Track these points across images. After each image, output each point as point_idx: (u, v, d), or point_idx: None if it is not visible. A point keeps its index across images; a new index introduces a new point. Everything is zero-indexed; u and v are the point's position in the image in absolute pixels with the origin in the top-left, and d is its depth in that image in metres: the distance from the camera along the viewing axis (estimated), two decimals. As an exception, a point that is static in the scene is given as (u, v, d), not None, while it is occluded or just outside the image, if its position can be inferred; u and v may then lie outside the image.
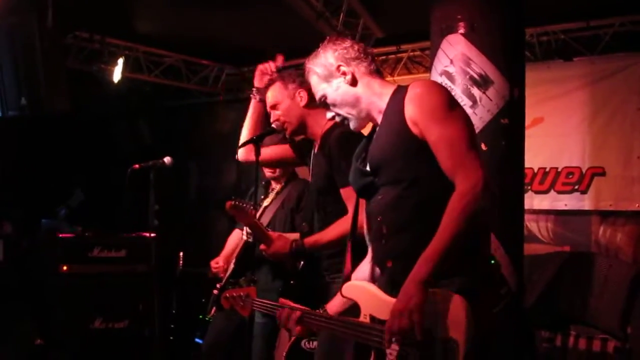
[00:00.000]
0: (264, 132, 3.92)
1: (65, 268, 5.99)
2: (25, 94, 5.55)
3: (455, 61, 4.83)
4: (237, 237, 5.28)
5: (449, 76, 4.82)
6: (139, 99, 8.93)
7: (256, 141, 3.81)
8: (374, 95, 2.83)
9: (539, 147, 6.81)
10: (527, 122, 5.24)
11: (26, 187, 7.50)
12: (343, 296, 2.82)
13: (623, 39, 6.68)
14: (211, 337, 5.31)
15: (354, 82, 2.85)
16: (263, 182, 5.11)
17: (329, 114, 2.96)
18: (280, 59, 4.06)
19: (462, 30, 4.84)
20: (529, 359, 5.90)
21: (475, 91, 4.75)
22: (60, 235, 6.19)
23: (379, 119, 2.82)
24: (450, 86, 4.81)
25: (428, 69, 5.38)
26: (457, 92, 4.78)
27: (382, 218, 2.73)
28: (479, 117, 4.77)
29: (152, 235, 5.02)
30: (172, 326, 6.84)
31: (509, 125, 4.85)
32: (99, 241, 6.22)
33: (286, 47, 7.95)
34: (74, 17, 6.62)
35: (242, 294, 3.43)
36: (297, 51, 7.68)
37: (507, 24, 4.92)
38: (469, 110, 4.57)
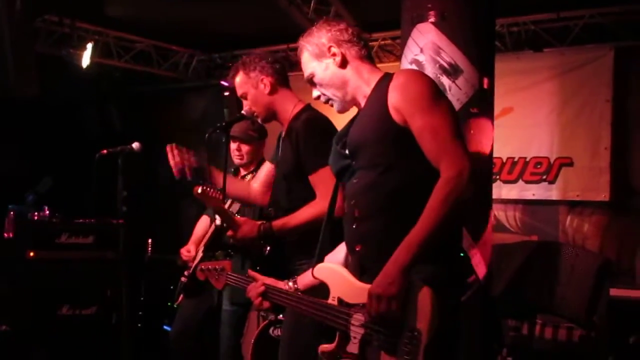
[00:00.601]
0: (233, 119, 3.93)
1: (32, 254, 5.93)
2: (-6, 78, 5.50)
3: (425, 50, 4.83)
4: (205, 223, 5.27)
5: (419, 65, 4.81)
6: (109, 84, 8.86)
7: (225, 128, 3.79)
8: (361, 80, 2.85)
9: (508, 137, 6.87)
10: (497, 111, 5.26)
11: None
12: (314, 277, 2.84)
13: (593, 30, 6.74)
14: (179, 325, 5.30)
15: (343, 65, 2.87)
16: (232, 169, 5.09)
17: (315, 93, 2.97)
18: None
19: (432, 19, 4.84)
20: (497, 348, 5.94)
21: (445, 80, 4.75)
22: (27, 221, 6.13)
23: (363, 103, 2.84)
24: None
25: (399, 58, 5.38)
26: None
27: (355, 201, 2.75)
28: (448, 106, 4.78)
29: (121, 221, 5.00)
30: (140, 313, 6.80)
31: (478, 114, 4.86)
32: (67, 227, 6.15)
33: (257, 34, 7.98)
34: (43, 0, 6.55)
35: (217, 267, 3.49)
36: (268, 38, 7.71)
37: (477, 14, 4.91)
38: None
